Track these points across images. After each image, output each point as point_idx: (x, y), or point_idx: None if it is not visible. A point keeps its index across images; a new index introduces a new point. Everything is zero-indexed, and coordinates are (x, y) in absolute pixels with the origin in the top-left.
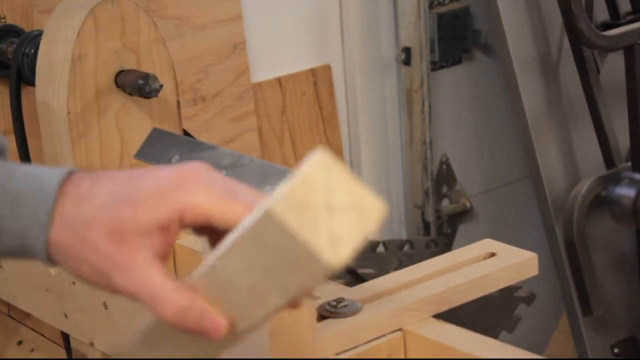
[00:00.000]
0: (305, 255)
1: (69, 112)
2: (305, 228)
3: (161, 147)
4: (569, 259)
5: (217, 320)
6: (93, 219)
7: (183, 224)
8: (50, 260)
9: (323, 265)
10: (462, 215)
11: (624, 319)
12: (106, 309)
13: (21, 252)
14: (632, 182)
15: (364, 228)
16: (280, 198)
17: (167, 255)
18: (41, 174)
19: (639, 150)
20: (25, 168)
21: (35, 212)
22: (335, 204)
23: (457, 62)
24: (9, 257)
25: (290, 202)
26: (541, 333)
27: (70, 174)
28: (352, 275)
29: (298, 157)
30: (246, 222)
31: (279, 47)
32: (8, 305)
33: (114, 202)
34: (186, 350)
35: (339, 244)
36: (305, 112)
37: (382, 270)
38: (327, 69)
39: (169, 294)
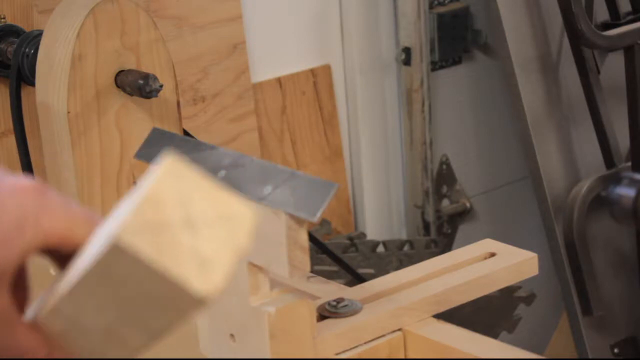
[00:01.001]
0: (169, 286)
1: (69, 112)
2: (164, 253)
3: (161, 147)
4: (569, 259)
5: None
6: None
7: (36, 253)
8: None
9: (193, 296)
10: (462, 215)
11: (624, 319)
12: None
13: None
14: (632, 182)
15: (235, 242)
16: (127, 222)
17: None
18: None
19: (639, 150)
20: None
21: None
22: (195, 219)
23: (457, 62)
24: None
25: (139, 225)
26: (541, 333)
27: None
28: (352, 275)
29: (298, 157)
30: (89, 254)
31: (279, 47)
32: None
33: None
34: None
35: (209, 266)
36: (305, 112)
37: (382, 270)
38: (327, 69)
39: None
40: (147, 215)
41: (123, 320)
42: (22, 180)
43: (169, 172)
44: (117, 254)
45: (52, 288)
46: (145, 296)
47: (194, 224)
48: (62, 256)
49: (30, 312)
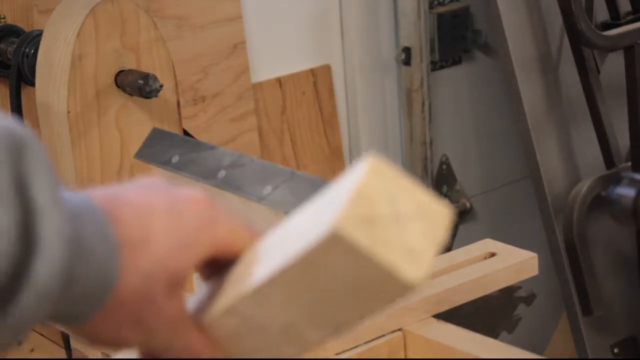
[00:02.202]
0: (381, 275)
1: (69, 112)
2: (377, 244)
3: (161, 147)
4: (569, 259)
5: None
6: (155, 272)
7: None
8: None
9: (404, 283)
10: (462, 215)
11: (624, 319)
12: None
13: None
14: (632, 182)
15: (436, 237)
16: (342, 214)
17: None
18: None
19: (639, 150)
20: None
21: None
22: (401, 215)
23: (457, 62)
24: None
25: (354, 217)
26: (541, 333)
27: (112, 214)
28: None
29: (298, 157)
30: (279, 250)
31: (279, 47)
32: None
33: (169, 248)
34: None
35: (418, 258)
36: (305, 112)
37: None
38: (327, 69)
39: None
40: (359, 209)
41: (309, 315)
42: (195, 193)
43: (374, 170)
44: (333, 243)
45: (209, 291)
46: (347, 287)
47: (400, 219)
48: (213, 264)
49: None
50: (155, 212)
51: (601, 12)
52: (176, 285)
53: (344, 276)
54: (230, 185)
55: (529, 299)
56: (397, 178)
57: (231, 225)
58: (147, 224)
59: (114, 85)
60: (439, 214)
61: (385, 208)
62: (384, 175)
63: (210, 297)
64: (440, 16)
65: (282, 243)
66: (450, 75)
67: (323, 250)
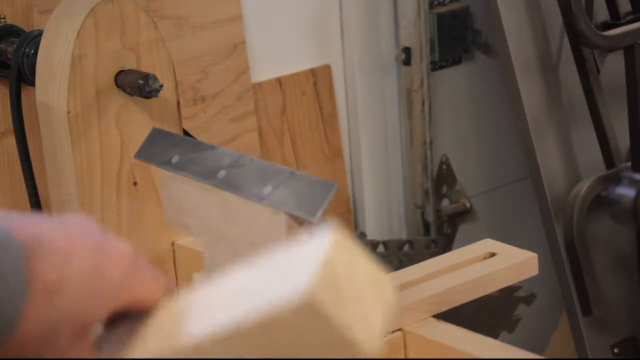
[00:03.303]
0: (341, 343)
1: (69, 112)
2: (344, 316)
3: (161, 147)
4: (569, 259)
5: None
6: (62, 322)
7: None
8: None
9: (359, 352)
10: (462, 215)
11: (624, 319)
12: None
13: None
14: (632, 182)
15: (387, 309)
16: (317, 282)
17: None
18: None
19: (639, 150)
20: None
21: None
22: (362, 289)
23: (457, 62)
24: None
25: (326, 288)
26: (541, 333)
27: (31, 253)
28: None
29: (298, 157)
30: (226, 308)
31: (279, 47)
32: None
33: (81, 299)
34: None
35: (372, 328)
36: (305, 112)
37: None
38: (327, 69)
39: None
40: (327, 280)
41: None
42: (121, 245)
43: (337, 242)
44: (306, 309)
45: (116, 337)
46: (301, 349)
47: (359, 292)
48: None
49: None
50: (74, 261)
51: (601, 12)
52: (82, 332)
53: (301, 339)
54: (230, 185)
55: (529, 299)
56: (356, 251)
57: (149, 281)
58: (63, 271)
59: (114, 85)
60: (389, 290)
61: (348, 281)
62: (345, 248)
63: (120, 344)
64: (440, 16)
65: (226, 301)
66: (450, 75)
67: (292, 314)
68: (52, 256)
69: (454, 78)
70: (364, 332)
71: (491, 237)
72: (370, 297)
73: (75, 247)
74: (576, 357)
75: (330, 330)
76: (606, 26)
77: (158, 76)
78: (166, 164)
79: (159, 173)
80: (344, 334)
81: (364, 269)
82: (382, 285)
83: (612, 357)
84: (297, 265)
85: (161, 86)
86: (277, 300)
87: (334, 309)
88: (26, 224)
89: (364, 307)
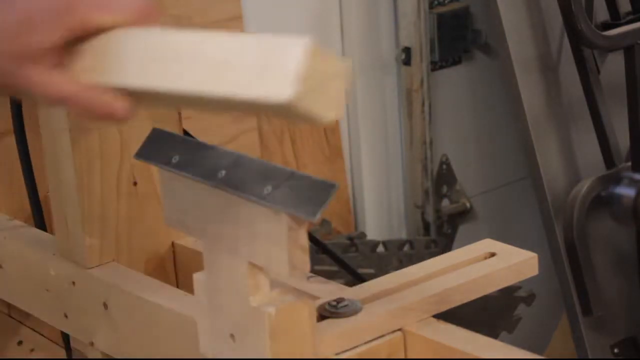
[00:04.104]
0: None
1: (69, 112)
2: (311, 105)
3: (161, 147)
4: (569, 259)
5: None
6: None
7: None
8: None
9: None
10: (462, 215)
11: (624, 319)
12: (106, 309)
13: None
14: (632, 182)
15: (342, 84)
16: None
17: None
18: None
19: (639, 150)
20: None
21: None
22: (325, 78)
23: (457, 62)
24: None
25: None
26: (541, 333)
27: None
28: (352, 275)
29: (298, 157)
30: (206, 70)
31: None
32: (8, 305)
33: (10, 30)
34: None
35: (332, 106)
36: None
37: (382, 270)
38: None
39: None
40: (302, 82)
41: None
42: None
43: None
44: (284, 107)
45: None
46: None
47: (324, 85)
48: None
49: None
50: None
51: (601, 12)
52: (22, 56)
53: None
54: (230, 185)
55: (529, 299)
56: (319, 52)
57: (102, 2)
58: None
59: None
60: (342, 68)
61: (316, 77)
62: (315, 50)
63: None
64: (440, 16)
65: (205, 62)
66: (450, 75)
67: (270, 105)
68: None
69: (454, 78)
70: (332, 112)
71: (491, 237)
72: (332, 83)
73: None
74: (576, 357)
75: (297, 114)
76: (606, 26)
77: None
78: (166, 164)
79: (159, 173)
80: (312, 119)
81: (327, 64)
82: (339, 69)
83: (612, 357)
84: (278, 62)
85: None
86: (265, 93)
87: (306, 104)
88: None
89: (327, 94)
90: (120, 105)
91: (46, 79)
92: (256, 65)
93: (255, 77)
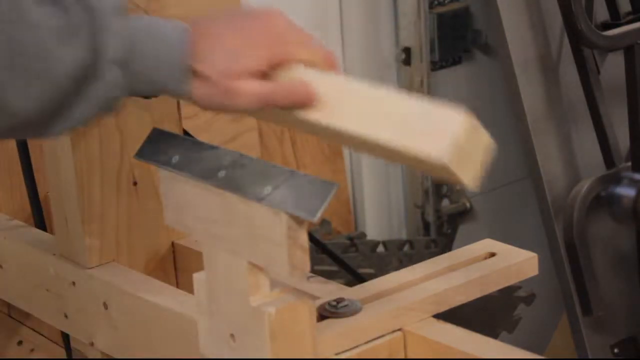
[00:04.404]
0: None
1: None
2: (459, 168)
3: (161, 147)
4: (569, 259)
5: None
6: (212, 73)
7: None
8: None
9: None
10: (462, 215)
11: (624, 319)
12: (106, 309)
13: (171, 95)
14: (632, 182)
15: (485, 156)
16: (451, 150)
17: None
18: (173, 44)
19: (639, 150)
20: (158, 41)
21: (176, 72)
22: (473, 149)
23: (457, 62)
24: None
25: (454, 151)
26: (541, 333)
27: (190, 37)
28: (352, 275)
29: (298, 157)
30: (386, 120)
31: None
32: (8, 305)
33: (225, 60)
34: None
35: (475, 174)
36: None
37: (382, 270)
38: None
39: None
40: (456, 145)
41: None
42: (279, 13)
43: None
44: (436, 164)
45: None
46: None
47: (472, 154)
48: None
49: None
50: (231, 21)
51: (601, 12)
52: (232, 74)
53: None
54: (230, 185)
55: (529, 299)
56: (475, 125)
57: (302, 41)
58: (220, 28)
59: None
60: (489, 144)
61: (467, 145)
62: (470, 122)
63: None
64: (440, 16)
65: (387, 115)
66: (450, 75)
67: (427, 159)
68: (207, 21)
69: (454, 78)
70: (472, 179)
71: (491, 237)
72: (477, 154)
73: (230, 17)
74: (576, 357)
75: (448, 175)
76: (606, 26)
77: None
78: (166, 164)
79: (159, 173)
80: (458, 180)
81: (477, 137)
82: (486, 144)
83: (612, 357)
84: (439, 125)
85: None
86: (419, 144)
87: (455, 167)
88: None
89: (474, 159)
90: (307, 96)
91: (250, 87)
92: (425, 126)
93: (422, 136)
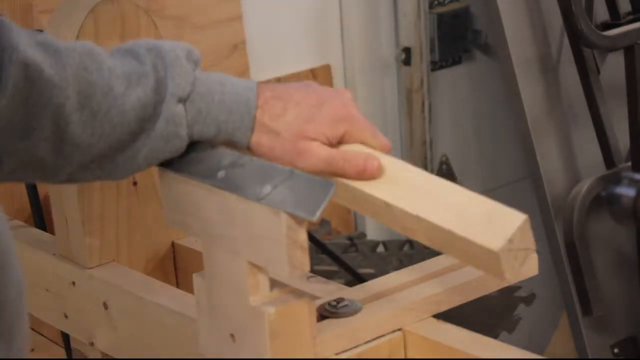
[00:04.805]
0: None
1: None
2: (506, 265)
3: None
4: (569, 259)
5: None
6: (283, 130)
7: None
8: (250, 151)
9: (504, 283)
10: None
11: (624, 319)
12: (106, 309)
13: (228, 145)
14: (632, 182)
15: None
16: (504, 246)
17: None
18: (243, 92)
19: (639, 150)
20: (228, 87)
21: (242, 120)
22: (520, 249)
23: (457, 62)
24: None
25: (506, 248)
26: (541, 333)
27: (261, 92)
28: (352, 275)
29: None
30: (442, 206)
31: (279, 47)
32: None
33: (299, 121)
34: None
35: (518, 273)
36: None
37: (382, 270)
38: (327, 69)
39: (334, 153)
40: (508, 244)
41: None
42: (347, 94)
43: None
44: (489, 255)
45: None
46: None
47: (518, 253)
48: None
49: None
50: (300, 104)
51: (601, 12)
52: (302, 136)
53: (468, 260)
54: (229, 185)
55: (529, 299)
56: (528, 229)
57: (363, 125)
58: (287, 107)
59: None
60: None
61: (515, 245)
62: (525, 225)
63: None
64: (440, 16)
65: (444, 203)
66: (450, 75)
67: (480, 251)
68: (279, 99)
69: (454, 78)
70: (513, 275)
71: None
72: (524, 254)
73: (305, 87)
74: (576, 357)
75: (496, 269)
76: (606, 26)
77: None
78: (166, 164)
79: (159, 173)
80: (502, 276)
81: (525, 237)
82: (532, 244)
83: (612, 357)
84: (499, 222)
85: None
86: (477, 236)
87: (505, 263)
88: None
89: (518, 259)
90: (370, 164)
91: (319, 149)
92: (484, 218)
93: (479, 225)
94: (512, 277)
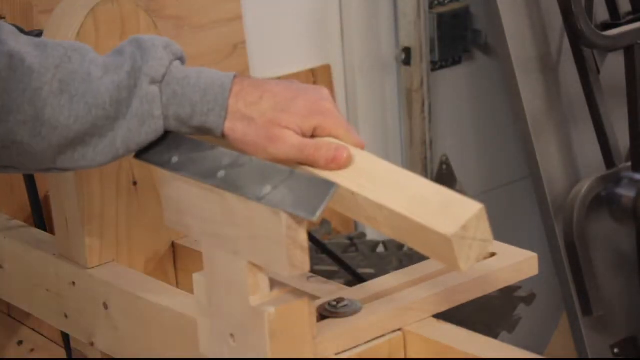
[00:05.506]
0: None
1: None
2: (461, 250)
3: (161, 147)
4: (569, 259)
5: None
6: (257, 117)
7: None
8: (224, 138)
9: (456, 269)
10: None
11: (624, 319)
12: (106, 309)
13: (203, 130)
14: (632, 182)
15: (484, 247)
16: (458, 234)
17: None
18: (218, 78)
19: (639, 150)
20: (205, 73)
21: (216, 100)
22: (476, 238)
23: (457, 62)
24: (194, 133)
25: (460, 235)
26: (541, 333)
27: (238, 81)
28: (352, 275)
29: None
30: (404, 195)
31: (279, 47)
32: (8, 305)
33: (273, 110)
34: None
35: (471, 261)
36: None
37: (382, 270)
38: (327, 69)
39: (308, 143)
40: (462, 231)
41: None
42: (323, 91)
43: (479, 212)
44: (444, 240)
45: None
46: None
47: (473, 241)
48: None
49: None
50: (277, 94)
51: (601, 12)
52: (275, 124)
53: (425, 246)
54: (229, 185)
55: (529, 299)
56: (484, 217)
57: (335, 118)
58: (263, 96)
59: None
60: (490, 235)
61: (470, 233)
62: (481, 214)
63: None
64: (440, 16)
65: (406, 193)
66: (450, 75)
67: (433, 235)
68: (256, 87)
69: (454, 78)
70: (467, 266)
71: None
72: (478, 244)
73: (285, 82)
74: (576, 357)
75: (450, 257)
76: (606, 26)
77: None
78: (166, 164)
79: (159, 173)
80: (457, 265)
81: (481, 227)
82: (489, 238)
83: (612, 357)
84: (454, 210)
85: None
86: (432, 223)
87: (458, 251)
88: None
89: (473, 249)
90: (340, 154)
91: (292, 137)
92: (441, 206)
93: (436, 213)
94: (466, 267)
